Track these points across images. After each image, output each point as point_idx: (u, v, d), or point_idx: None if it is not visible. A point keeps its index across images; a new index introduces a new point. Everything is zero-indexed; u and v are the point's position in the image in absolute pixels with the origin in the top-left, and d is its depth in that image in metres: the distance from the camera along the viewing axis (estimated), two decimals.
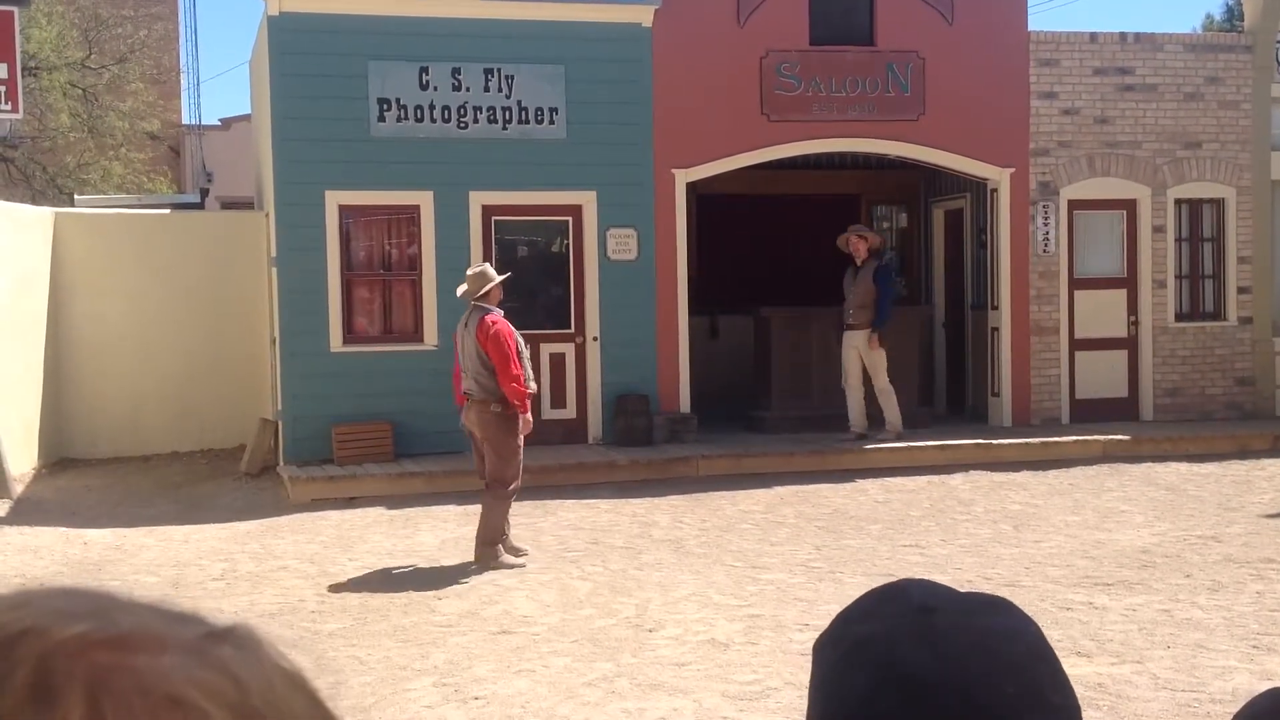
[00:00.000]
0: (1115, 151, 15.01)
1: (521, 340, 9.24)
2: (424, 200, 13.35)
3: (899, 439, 13.46)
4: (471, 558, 9.22)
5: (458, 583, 8.77)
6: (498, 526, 9.17)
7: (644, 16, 13.85)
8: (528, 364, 9.26)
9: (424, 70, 13.26)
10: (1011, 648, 1.02)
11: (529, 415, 9.26)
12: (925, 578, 1.13)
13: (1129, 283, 15.19)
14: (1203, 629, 7.29)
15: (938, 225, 16.55)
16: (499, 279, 9.34)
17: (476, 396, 9.19)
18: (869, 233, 13.91)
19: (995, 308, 14.98)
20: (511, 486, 9.25)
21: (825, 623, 1.12)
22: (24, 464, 13.25)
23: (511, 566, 9.09)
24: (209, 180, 23.46)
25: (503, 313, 9.29)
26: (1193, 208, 15.40)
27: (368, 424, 12.91)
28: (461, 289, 9.49)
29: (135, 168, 24.65)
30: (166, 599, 0.64)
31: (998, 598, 1.09)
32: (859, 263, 13.60)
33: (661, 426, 13.60)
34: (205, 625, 0.62)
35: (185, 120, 28.19)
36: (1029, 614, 1.09)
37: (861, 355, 13.54)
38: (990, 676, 1.00)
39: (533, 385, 9.32)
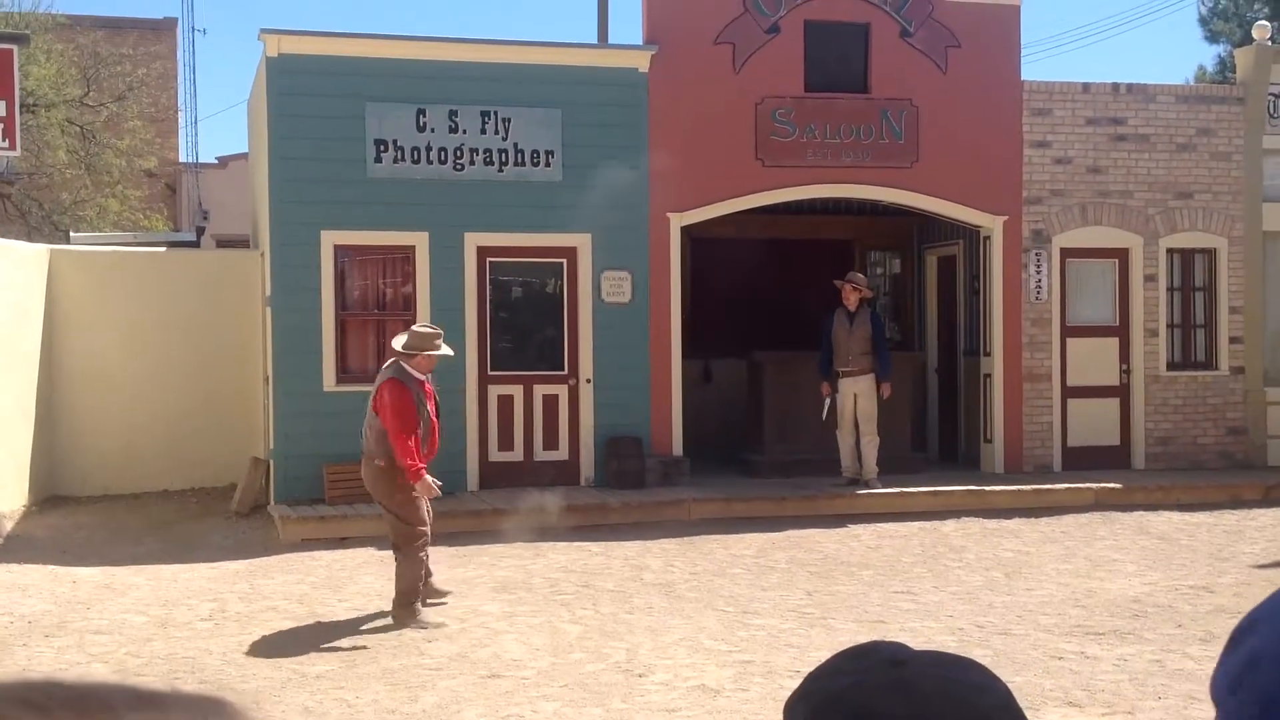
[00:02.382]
0: (1107, 201, 15.09)
1: (423, 399, 8.64)
2: (419, 241, 13.39)
3: (875, 486, 13.42)
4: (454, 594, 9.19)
5: (445, 625, 8.73)
6: (413, 586, 8.64)
7: (641, 62, 13.95)
8: (427, 423, 8.65)
9: (421, 112, 13.33)
10: (982, 699, 1.03)
11: (429, 480, 8.61)
12: (897, 640, 1.14)
13: (1121, 331, 15.24)
14: (1194, 680, 7.27)
15: (930, 271, 16.61)
16: (441, 351, 8.79)
17: (365, 450, 8.83)
18: (864, 286, 13.84)
19: (988, 354, 15.02)
20: (419, 541, 8.67)
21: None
22: (14, 501, 13.20)
23: (428, 626, 8.54)
24: (205, 218, 23.53)
25: (420, 379, 8.68)
26: (1185, 257, 15.47)
27: (359, 464, 12.83)
28: (401, 341, 8.82)
29: (131, 205, 24.69)
30: (148, 682, 0.67)
31: (966, 657, 1.10)
32: (852, 309, 13.61)
33: (654, 469, 13.58)
34: (181, 699, 0.63)
35: (182, 158, 28.32)
36: (1014, 664, 1.10)
37: (859, 401, 13.50)
38: None
39: (435, 491, 8.68)
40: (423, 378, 8.74)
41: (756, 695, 7.02)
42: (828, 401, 13.64)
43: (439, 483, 8.79)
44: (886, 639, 1.13)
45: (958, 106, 14.58)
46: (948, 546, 11.57)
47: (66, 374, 14.30)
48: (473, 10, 70.37)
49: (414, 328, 9.09)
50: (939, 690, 1.02)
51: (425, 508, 8.79)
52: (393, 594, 8.76)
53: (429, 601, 8.89)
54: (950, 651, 1.11)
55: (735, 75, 14.11)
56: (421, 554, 8.67)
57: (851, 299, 13.57)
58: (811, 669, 1.10)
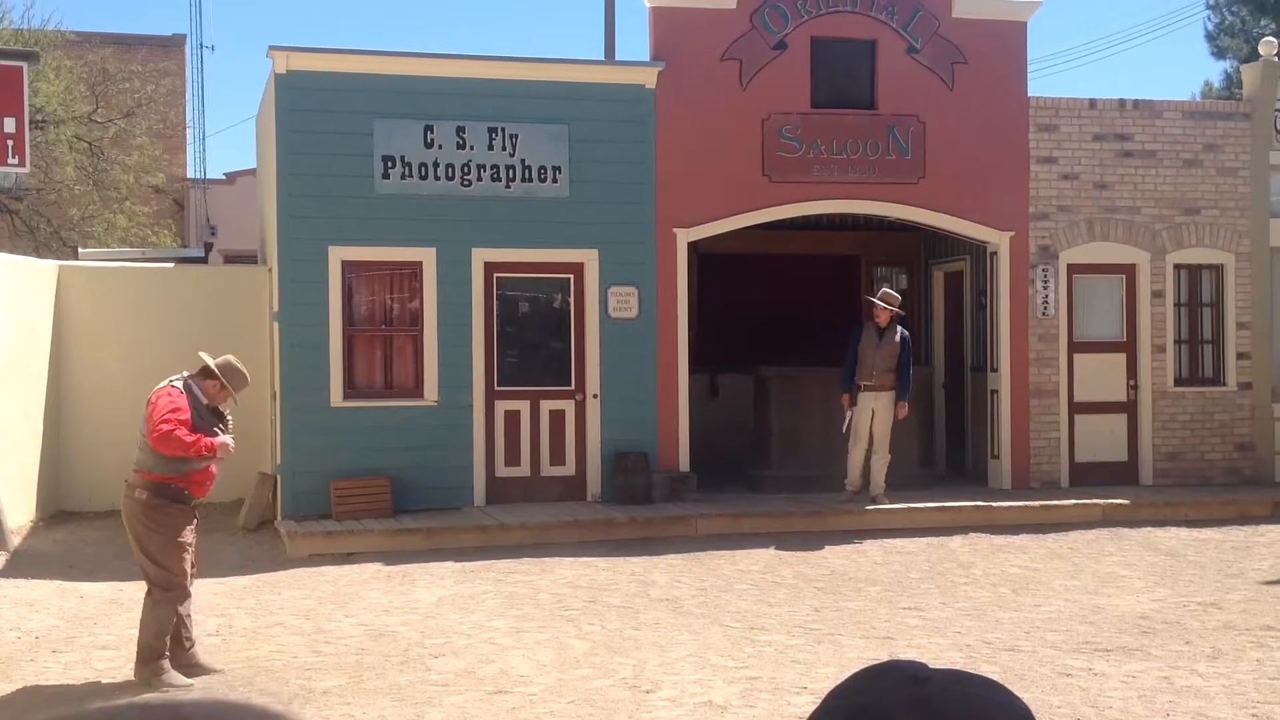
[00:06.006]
0: (1114, 216, 15.09)
1: (205, 418, 7.78)
2: (427, 257, 13.42)
3: (881, 502, 13.37)
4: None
5: (451, 639, 8.73)
6: (158, 641, 7.64)
7: (648, 78, 13.98)
8: (226, 434, 7.85)
9: (429, 128, 13.37)
10: (1003, 716, 1.04)
11: (224, 440, 7.72)
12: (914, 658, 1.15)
13: (1128, 347, 15.23)
14: (1202, 696, 7.25)
15: (937, 287, 16.62)
16: (234, 387, 7.92)
17: (129, 477, 7.81)
18: (895, 305, 13.55)
19: (995, 370, 15.00)
20: (174, 591, 7.67)
21: (824, 686, 1.13)
22: (22, 516, 13.22)
23: (177, 686, 7.56)
24: (213, 234, 23.61)
25: (205, 401, 7.86)
26: (1192, 273, 15.46)
27: (367, 479, 12.89)
28: (211, 360, 8.06)
29: (139, 221, 24.77)
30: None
31: (986, 676, 1.10)
32: (882, 325, 13.47)
33: (660, 484, 13.57)
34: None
35: (190, 174, 28.38)
36: (1022, 681, 1.11)
37: (876, 416, 13.40)
38: None
39: (231, 447, 7.83)
40: (206, 401, 7.87)
41: (763, 712, 7.00)
42: (849, 414, 13.52)
43: (227, 442, 7.79)
44: (901, 657, 1.14)
45: (964, 122, 14.59)
46: (955, 562, 11.55)
47: (74, 389, 14.33)
48: (480, 27, 70.63)
49: (231, 359, 8.09)
50: (960, 707, 1.02)
51: (189, 556, 7.79)
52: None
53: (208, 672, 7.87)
54: (967, 670, 1.12)
55: (742, 91, 14.14)
56: (174, 605, 7.69)
57: (883, 316, 13.46)
58: (832, 687, 1.10)
